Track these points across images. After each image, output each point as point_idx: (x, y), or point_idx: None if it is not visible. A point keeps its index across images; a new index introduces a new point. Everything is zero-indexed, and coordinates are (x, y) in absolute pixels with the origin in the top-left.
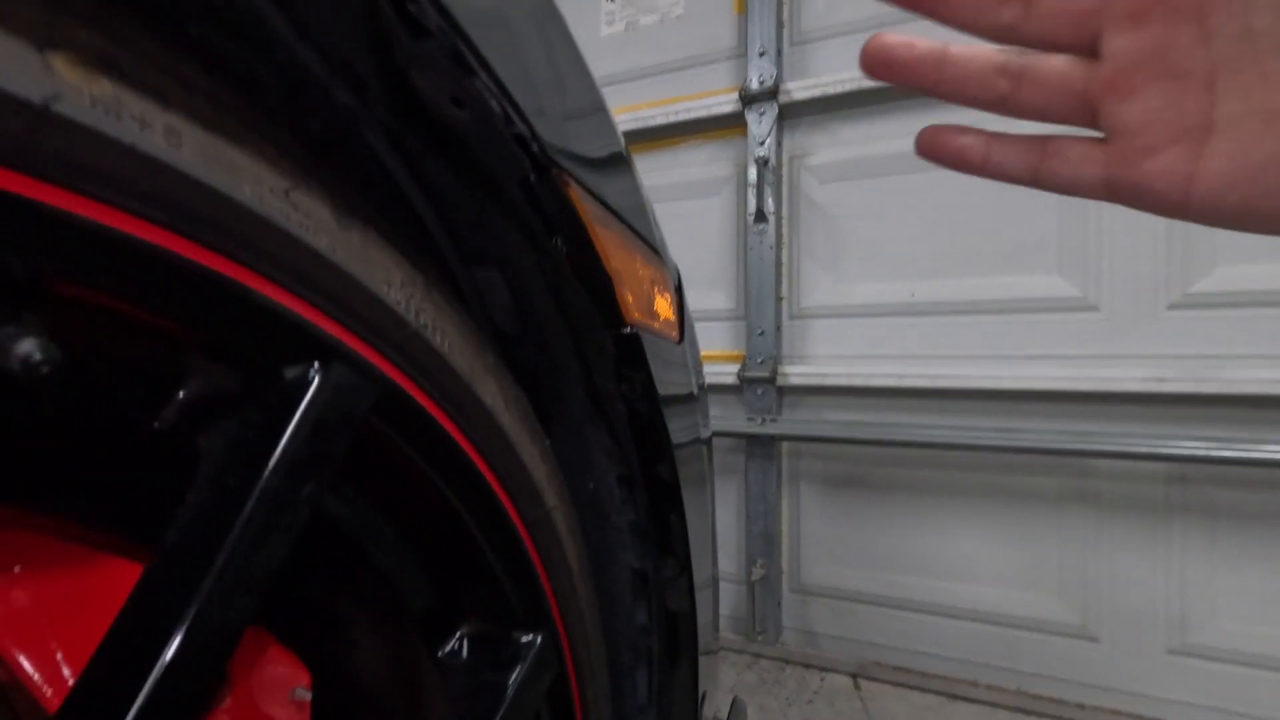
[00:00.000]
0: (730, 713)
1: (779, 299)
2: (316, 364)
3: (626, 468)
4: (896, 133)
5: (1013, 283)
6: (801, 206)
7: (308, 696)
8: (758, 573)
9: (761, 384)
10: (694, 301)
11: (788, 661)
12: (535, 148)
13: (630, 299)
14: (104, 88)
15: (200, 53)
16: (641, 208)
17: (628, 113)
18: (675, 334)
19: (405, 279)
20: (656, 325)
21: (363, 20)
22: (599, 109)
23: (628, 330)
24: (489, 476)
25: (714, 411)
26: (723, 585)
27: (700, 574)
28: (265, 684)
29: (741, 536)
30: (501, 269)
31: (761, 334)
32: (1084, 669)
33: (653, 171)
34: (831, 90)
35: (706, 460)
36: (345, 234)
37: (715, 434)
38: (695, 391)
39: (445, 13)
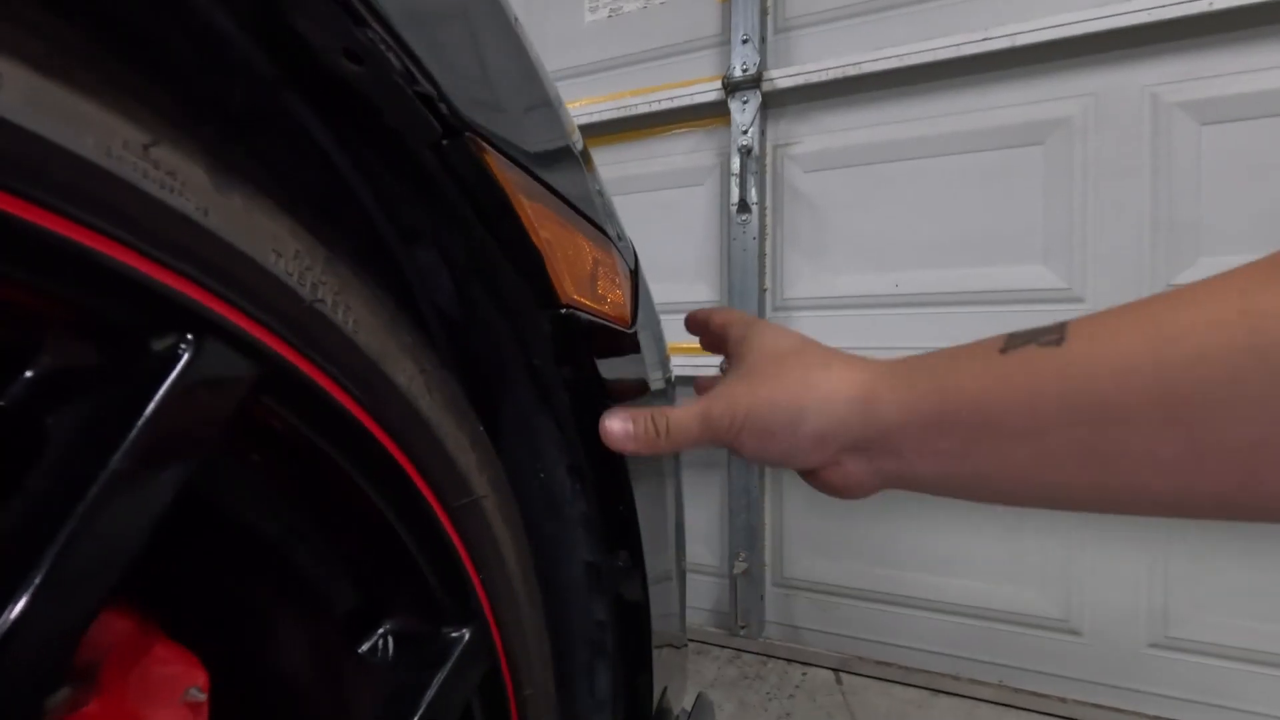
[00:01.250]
0: (694, 709)
1: (762, 290)
2: (188, 338)
3: (575, 458)
4: (881, 121)
5: (998, 273)
6: (785, 196)
7: (202, 697)
8: (740, 566)
9: None
10: (676, 293)
11: (770, 656)
12: (444, 109)
13: (565, 277)
14: None
15: None
16: (586, 189)
17: (610, 101)
18: (626, 317)
19: (301, 249)
20: (602, 308)
21: None
22: (531, 75)
23: (564, 310)
24: (403, 462)
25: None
26: (705, 579)
27: (660, 567)
28: (149, 685)
29: (724, 530)
30: (417, 241)
31: None
32: (1066, 662)
33: (635, 161)
34: (815, 78)
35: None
36: (224, 197)
37: None
38: (659, 382)
39: None
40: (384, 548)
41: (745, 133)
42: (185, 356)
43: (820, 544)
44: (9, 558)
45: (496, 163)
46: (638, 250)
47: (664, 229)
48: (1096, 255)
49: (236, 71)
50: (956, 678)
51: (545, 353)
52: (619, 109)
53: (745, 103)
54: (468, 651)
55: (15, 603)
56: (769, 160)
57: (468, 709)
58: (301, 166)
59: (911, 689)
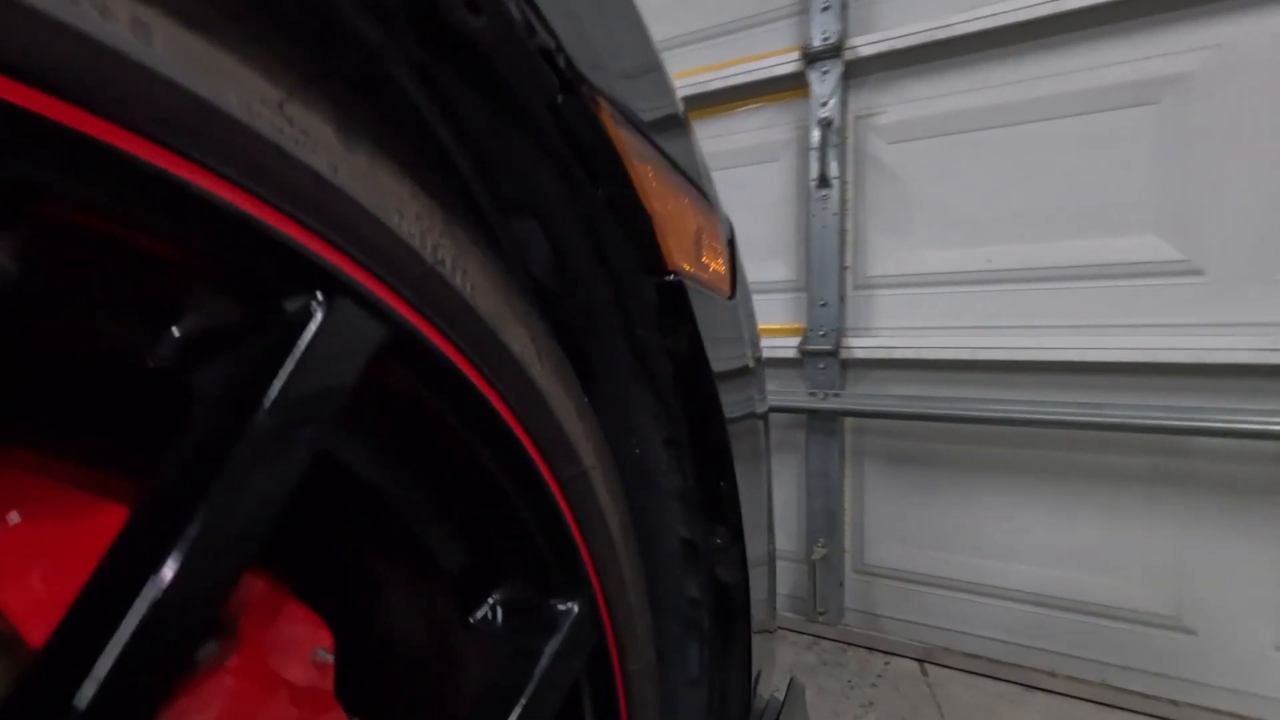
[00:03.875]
0: (787, 693)
1: (843, 268)
2: (320, 297)
3: (674, 431)
4: (972, 86)
5: (1101, 245)
6: (867, 169)
7: (330, 658)
8: (819, 552)
9: (823, 358)
10: (752, 273)
11: (850, 644)
12: (563, 62)
13: (673, 243)
14: None
15: None
16: (692, 155)
17: (684, 79)
18: (727, 289)
19: (421, 210)
20: (705, 276)
21: None
22: (642, 36)
23: (671, 278)
24: (518, 430)
25: (773, 386)
26: (783, 565)
27: (755, 549)
28: (281, 643)
29: (802, 515)
30: (531, 202)
31: (824, 305)
32: (1178, 662)
33: (710, 139)
34: (902, 44)
35: (762, 434)
36: (350, 155)
37: (774, 409)
38: (749, 361)
39: None
40: (497, 515)
41: (825, 104)
42: (318, 315)
43: (903, 531)
44: (169, 506)
45: (612, 121)
46: None
47: (740, 207)
48: (1218, 225)
49: (363, 26)
50: (1053, 674)
51: (649, 321)
52: (693, 86)
53: (825, 73)
54: (576, 623)
55: (177, 549)
56: (850, 132)
57: (575, 683)
58: (422, 126)
59: (1003, 684)
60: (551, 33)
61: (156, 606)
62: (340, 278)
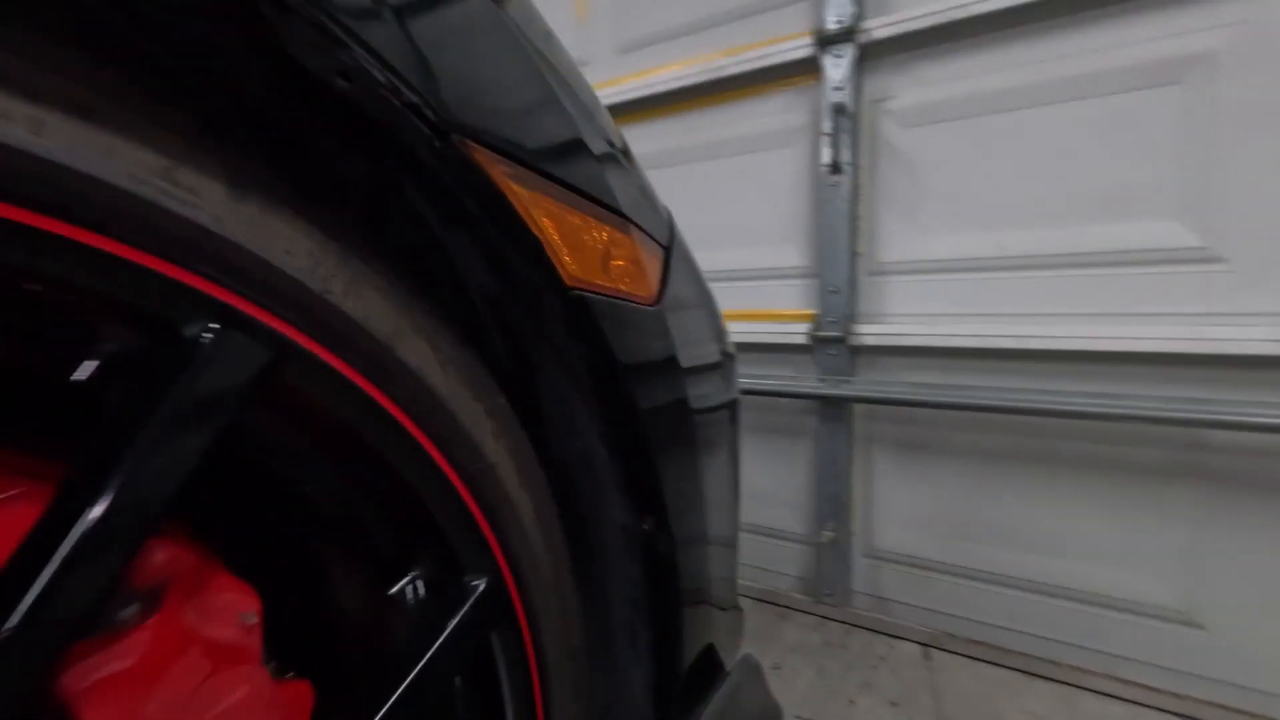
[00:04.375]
0: (736, 668)
1: (854, 254)
2: (211, 326)
3: (606, 427)
4: (988, 68)
5: (1119, 231)
6: (881, 155)
7: (254, 620)
8: (826, 536)
9: (833, 344)
10: (764, 259)
11: (856, 626)
12: (431, 115)
13: (568, 260)
14: None
15: (71, 44)
16: (597, 175)
17: (699, 64)
18: (649, 295)
19: (314, 247)
20: (614, 287)
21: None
22: (534, 88)
23: (572, 293)
24: (414, 430)
25: (783, 371)
26: (791, 546)
27: (689, 532)
28: (208, 608)
29: (811, 498)
30: (429, 234)
31: (835, 292)
32: (1186, 657)
33: (724, 124)
34: (916, 25)
35: (723, 423)
36: (240, 206)
37: (783, 395)
38: (700, 358)
39: None
40: (407, 505)
41: (839, 89)
42: (207, 341)
43: (912, 517)
44: (79, 492)
45: (487, 158)
46: (725, 215)
47: (754, 192)
48: (1241, 211)
49: (249, 98)
50: (1057, 663)
51: (560, 331)
52: (707, 73)
53: (839, 57)
54: (481, 599)
55: (77, 529)
56: (865, 117)
57: (490, 648)
58: (314, 176)
59: (1005, 670)
60: (416, 91)
61: (63, 569)
62: (224, 309)
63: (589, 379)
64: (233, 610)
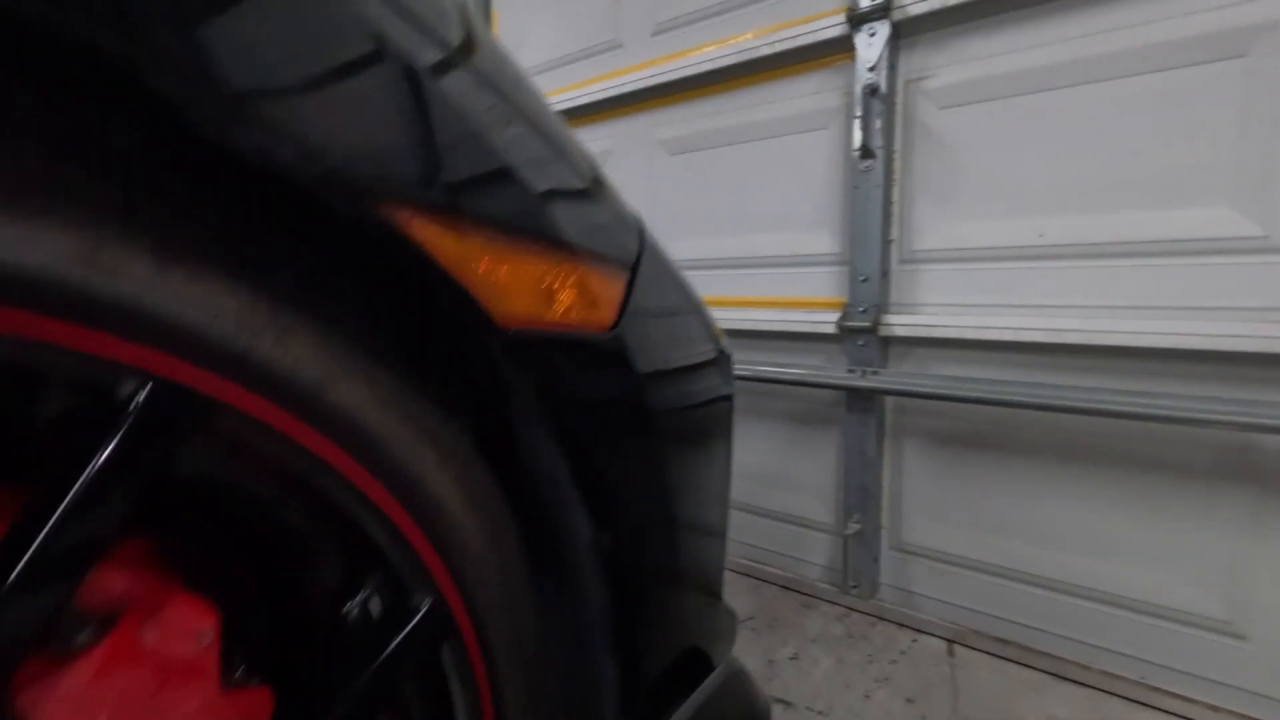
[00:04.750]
0: (719, 671)
1: (887, 242)
2: (143, 385)
3: (562, 449)
4: (1031, 43)
5: (1169, 218)
6: (916, 137)
7: (209, 638)
8: (853, 527)
9: (863, 334)
10: (795, 245)
11: (880, 618)
12: (344, 183)
13: (505, 301)
14: None
15: None
16: (528, 205)
17: (731, 45)
18: (599, 323)
19: (240, 307)
20: (562, 320)
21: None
22: (446, 127)
23: (509, 334)
24: (350, 465)
25: (812, 361)
26: (818, 536)
27: (654, 547)
28: (162, 627)
29: (838, 488)
30: (350, 286)
31: (865, 280)
32: (1224, 668)
33: (756, 107)
34: (955, 1)
35: (710, 423)
36: (164, 277)
37: (810, 385)
38: (637, 373)
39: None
40: (350, 533)
41: (872, 69)
42: (140, 398)
43: (943, 511)
44: (28, 528)
45: (404, 216)
46: (757, 200)
47: (786, 176)
48: None
49: (165, 177)
50: (1086, 666)
51: (503, 368)
52: (739, 54)
53: (872, 35)
54: (426, 616)
55: (26, 554)
56: (900, 97)
57: (439, 662)
58: (242, 240)
59: (1030, 670)
60: (321, 160)
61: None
62: (151, 374)
63: (539, 407)
64: (189, 628)
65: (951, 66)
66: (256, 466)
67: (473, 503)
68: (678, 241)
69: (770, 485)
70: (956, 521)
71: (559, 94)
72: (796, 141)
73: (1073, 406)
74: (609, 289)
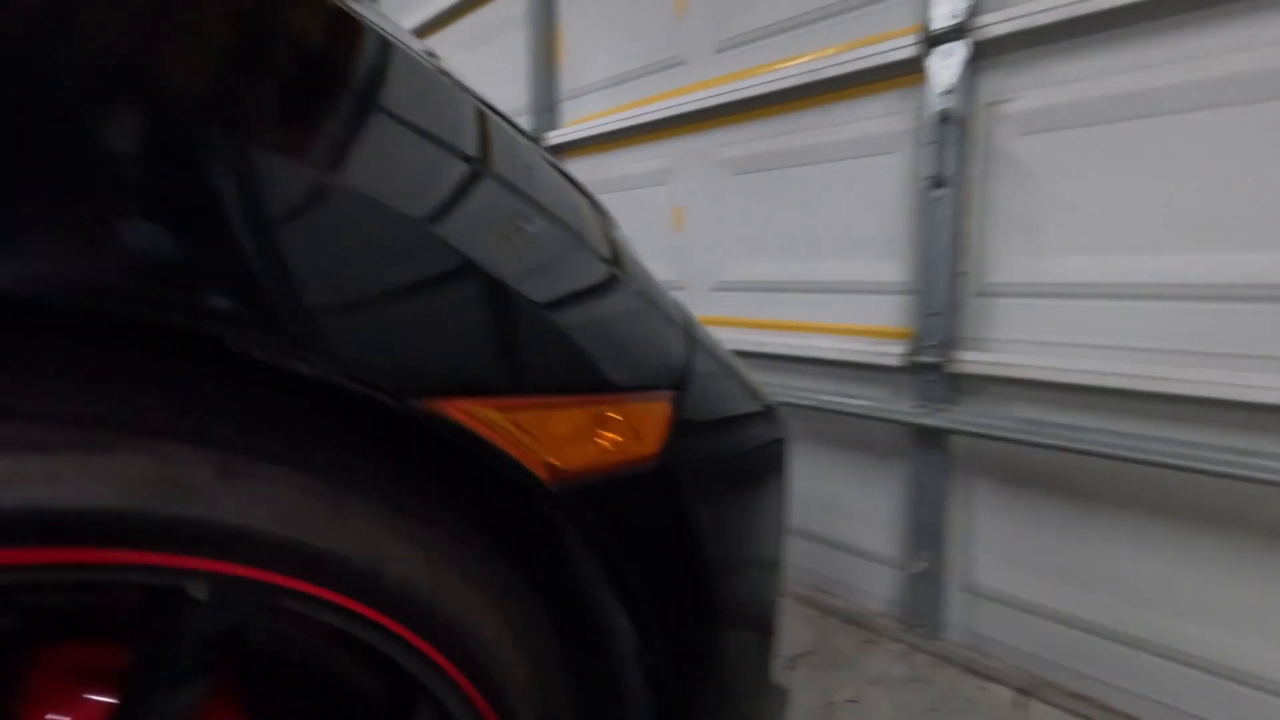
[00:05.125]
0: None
1: (959, 274)
2: (207, 580)
3: (610, 582)
4: (1127, 65)
5: (1275, 261)
6: (994, 164)
7: None
8: (918, 565)
9: (931, 370)
10: (859, 272)
11: (946, 661)
12: (391, 386)
13: (548, 456)
14: None
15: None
16: (576, 351)
17: (795, 65)
18: (645, 454)
19: (294, 497)
20: (604, 463)
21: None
22: (493, 312)
23: (553, 489)
24: (396, 627)
25: (876, 392)
26: (882, 569)
27: (737, 634)
28: None
29: (904, 522)
30: (399, 470)
31: (935, 314)
32: None
33: (822, 129)
34: (1042, 19)
35: (758, 504)
36: (228, 485)
37: (873, 419)
38: (684, 502)
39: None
40: (400, 675)
41: (946, 93)
42: (204, 591)
43: (1017, 555)
44: (133, 700)
45: (444, 405)
46: (822, 224)
47: (852, 201)
48: None
49: (226, 397)
50: None
51: (551, 516)
52: (806, 74)
53: (948, 57)
54: None
55: None
56: (976, 122)
57: None
58: (296, 443)
59: None
60: (369, 370)
61: None
62: (217, 575)
63: (586, 540)
64: None
65: (1036, 90)
66: (313, 633)
67: (520, 637)
68: (739, 263)
69: (833, 513)
70: (1031, 567)
71: (621, 111)
72: (863, 165)
73: (1163, 462)
74: (654, 417)
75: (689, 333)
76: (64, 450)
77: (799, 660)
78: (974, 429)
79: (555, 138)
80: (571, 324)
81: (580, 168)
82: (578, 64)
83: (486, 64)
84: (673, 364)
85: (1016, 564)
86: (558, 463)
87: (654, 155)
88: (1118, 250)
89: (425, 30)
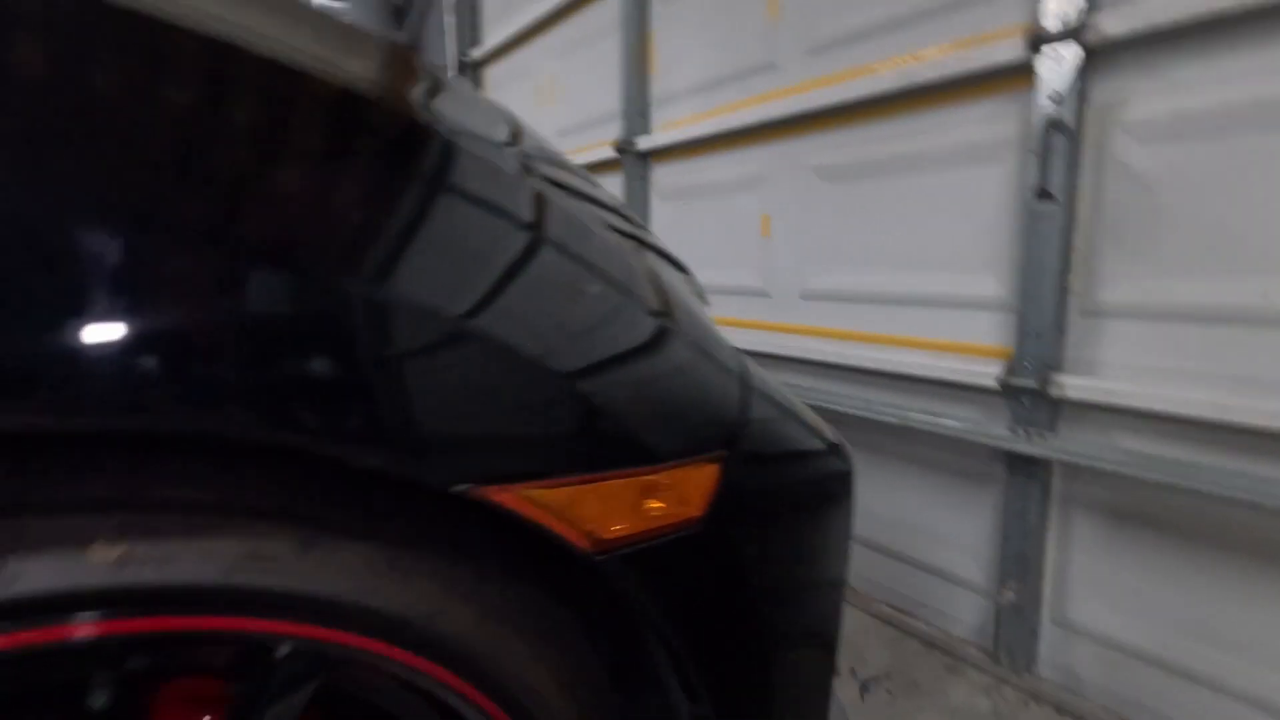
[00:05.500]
0: None
1: (1064, 292)
2: (285, 644)
3: (660, 638)
4: (1262, 70)
5: None
6: (1109, 174)
7: None
8: (1008, 595)
9: (1028, 394)
10: (954, 286)
11: (1035, 698)
12: (435, 479)
13: (589, 528)
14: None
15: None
16: (621, 424)
17: (891, 68)
18: (687, 516)
19: (361, 564)
20: (650, 528)
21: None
22: (542, 393)
23: (599, 557)
24: (449, 678)
25: (969, 413)
26: (969, 595)
27: (790, 688)
28: None
29: (994, 548)
30: (453, 548)
31: (1037, 335)
32: None
33: (920, 135)
34: (1167, 18)
35: (812, 559)
36: (305, 557)
37: (966, 441)
38: (738, 556)
39: None
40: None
41: (1054, 99)
42: (285, 650)
43: (1117, 594)
44: None
45: (494, 492)
46: (917, 235)
47: (949, 210)
48: None
49: (303, 489)
50: None
51: (597, 580)
52: (904, 78)
53: (1058, 59)
54: None
55: None
56: (1089, 129)
57: None
58: (362, 522)
59: None
60: (412, 468)
61: None
62: (295, 636)
63: (633, 599)
64: None
65: (1158, 96)
66: (381, 680)
67: (567, 685)
68: (828, 272)
69: (917, 532)
70: (1133, 608)
71: (712, 116)
72: (963, 174)
73: None
74: (701, 480)
75: (744, 380)
76: (175, 536)
77: (874, 683)
78: (1075, 459)
79: (645, 143)
80: (614, 399)
81: (670, 173)
82: (669, 69)
83: (581, 69)
84: (724, 421)
85: (1114, 602)
86: (599, 532)
87: (744, 161)
88: (1249, 272)
89: (523, 37)
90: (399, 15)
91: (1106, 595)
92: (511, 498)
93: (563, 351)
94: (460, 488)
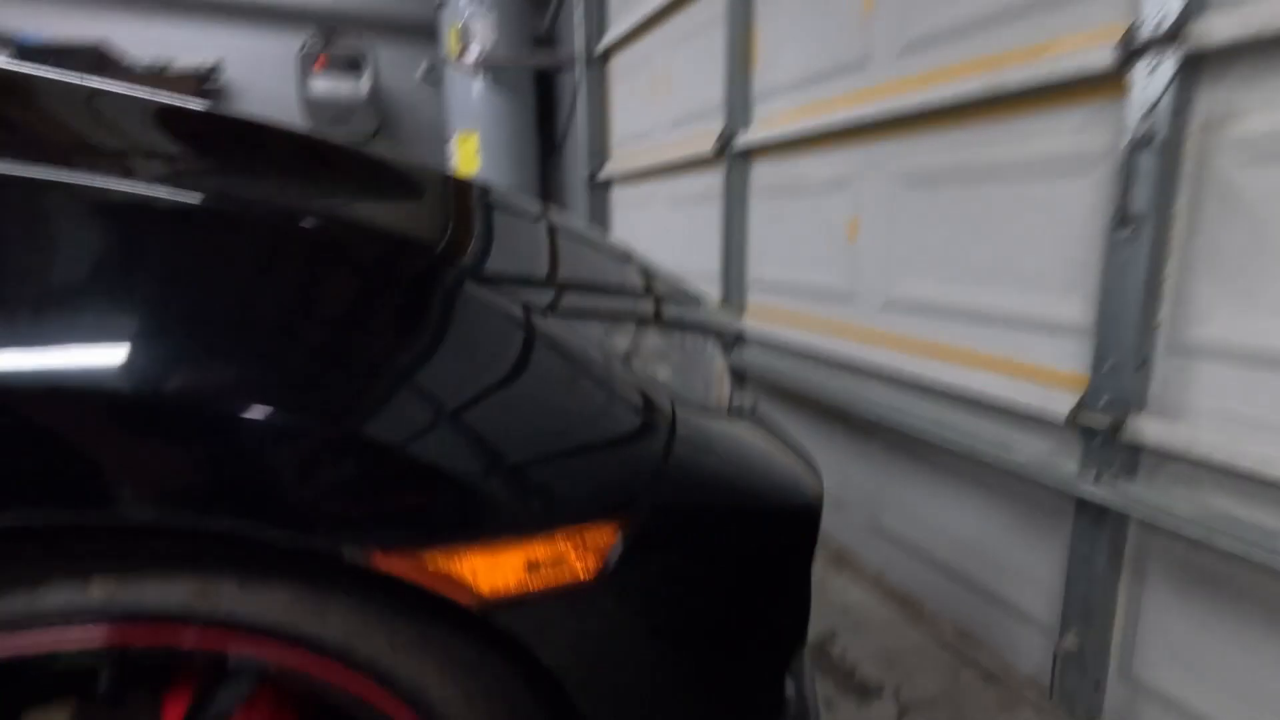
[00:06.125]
0: None
1: (1150, 324)
2: (230, 655)
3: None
4: None
5: None
6: (1209, 197)
7: None
8: (1069, 643)
9: (1103, 434)
10: (1035, 305)
11: None
12: (326, 549)
13: (471, 585)
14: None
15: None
16: (522, 493)
17: (974, 73)
18: (584, 572)
19: (291, 599)
20: (529, 590)
21: None
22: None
23: (482, 611)
24: (389, 698)
25: (1039, 443)
26: (1032, 630)
27: None
28: None
29: (1057, 584)
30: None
31: (1112, 367)
32: None
33: (1003, 144)
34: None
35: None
36: (244, 592)
37: (1028, 479)
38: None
39: None
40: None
41: (1148, 112)
42: (250, 663)
43: (1193, 658)
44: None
45: (379, 558)
46: (994, 249)
47: (1031, 227)
48: None
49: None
50: None
51: (491, 629)
52: (985, 84)
53: (1153, 68)
54: None
55: None
56: (1188, 147)
57: None
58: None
59: None
60: (335, 538)
61: None
62: (233, 649)
63: (530, 649)
64: None
65: (1271, 110)
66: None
67: (475, 700)
68: (908, 282)
69: (984, 559)
70: (1210, 676)
71: (803, 117)
72: (1048, 187)
73: None
74: (596, 542)
75: (670, 434)
76: (149, 575)
77: (914, 708)
78: (1149, 516)
79: (743, 140)
80: (500, 469)
81: (766, 172)
82: (770, 63)
83: (691, 60)
84: (624, 484)
85: (1190, 667)
86: (482, 591)
87: (833, 162)
88: None
89: (642, 28)
90: (539, 4)
91: (1181, 658)
92: (397, 563)
93: (444, 435)
94: (353, 555)
